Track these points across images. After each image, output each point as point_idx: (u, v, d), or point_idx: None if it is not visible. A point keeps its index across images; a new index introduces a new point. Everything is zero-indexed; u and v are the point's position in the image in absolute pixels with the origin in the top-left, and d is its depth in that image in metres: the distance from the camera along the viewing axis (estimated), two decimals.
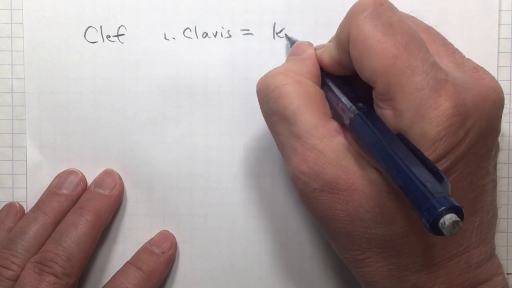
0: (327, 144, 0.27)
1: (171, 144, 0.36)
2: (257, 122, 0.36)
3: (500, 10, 0.35)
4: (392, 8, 0.27)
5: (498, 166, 0.35)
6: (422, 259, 0.27)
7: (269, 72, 0.30)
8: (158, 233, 0.36)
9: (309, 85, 0.29)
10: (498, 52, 0.35)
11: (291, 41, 0.34)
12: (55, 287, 0.32)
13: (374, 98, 0.27)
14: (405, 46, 0.26)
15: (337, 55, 0.29)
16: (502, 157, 0.35)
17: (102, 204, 0.35)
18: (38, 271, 0.32)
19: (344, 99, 0.29)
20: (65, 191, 0.35)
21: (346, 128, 0.28)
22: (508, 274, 0.36)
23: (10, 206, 0.36)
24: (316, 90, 0.29)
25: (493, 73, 0.35)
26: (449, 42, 0.30)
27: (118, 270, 0.35)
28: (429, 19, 0.35)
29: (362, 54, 0.26)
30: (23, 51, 0.36)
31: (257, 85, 0.30)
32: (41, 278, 0.32)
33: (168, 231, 0.36)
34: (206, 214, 0.36)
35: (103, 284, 0.35)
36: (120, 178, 0.36)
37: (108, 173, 0.36)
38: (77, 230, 0.33)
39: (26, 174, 0.36)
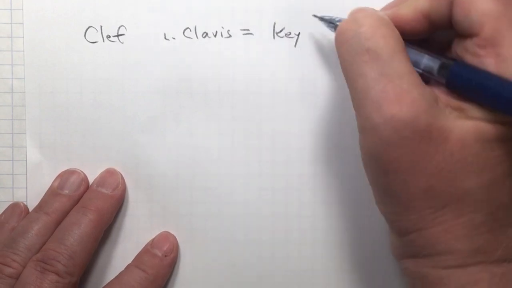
0: (422, 92, 0.27)
1: (171, 144, 0.36)
2: (257, 122, 0.36)
3: None
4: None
5: None
6: (497, 217, 0.27)
7: (357, 13, 0.29)
8: (159, 234, 0.36)
9: (399, 34, 0.29)
10: None
11: (327, 21, 0.33)
12: (57, 286, 0.32)
13: (472, 47, 0.27)
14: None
15: (428, 6, 0.29)
16: None
17: (104, 203, 0.35)
18: (40, 270, 0.32)
19: (428, 56, 0.29)
20: (67, 192, 0.35)
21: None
22: None
23: (15, 206, 0.36)
24: (403, 42, 0.29)
25: None
26: None
27: (122, 271, 0.35)
28: None
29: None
30: (23, 51, 0.36)
31: (342, 25, 0.29)
32: (43, 276, 0.32)
33: (169, 233, 0.36)
34: (206, 214, 0.36)
35: (105, 284, 0.35)
36: (123, 178, 0.36)
37: (110, 173, 0.36)
38: (80, 229, 0.33)
39: (26, 174, 0.36)
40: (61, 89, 0.36)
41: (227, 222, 0.36)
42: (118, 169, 0.36)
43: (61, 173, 0.36)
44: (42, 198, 0.35)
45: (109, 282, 0.35)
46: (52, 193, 0.35)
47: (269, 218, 0.36)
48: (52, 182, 0.36)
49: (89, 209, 0.34)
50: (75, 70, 0.36)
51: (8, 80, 0.36)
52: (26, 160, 0.36)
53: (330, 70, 0.35)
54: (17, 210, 0.36)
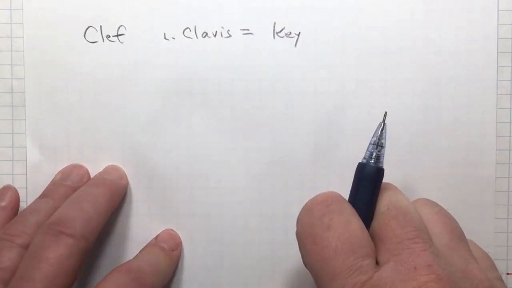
0: None
1: (171, 144, 0.36)
2: (257, 122, 0.36)
3: (499, 10, 0.35)
4: (339, 210, 0.28)
5: (498, 166, 0.36)
6: None
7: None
8: (163, 231, 0.36)
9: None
10: (498, 52, 0.35)
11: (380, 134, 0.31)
12: (73, 251, 0.30)
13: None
14: (335, 249, 0.27)
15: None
16: (502, 157, 0.35)
17: (112, 185, 0.34)
18: (55, 233, 0.30)
19: None
20: (70, 183, 0.35)
21: None
22: (508, 274, 0.36)
23: (6, 187, 0.35)
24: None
25: (493, 73, 0.35)
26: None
27: (139, 252, 0.34)
28: (430, 20, 0.35)
29: (302, 252, 0.29)
30: (23, 51, 0.36)
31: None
32: (58, 239, 0.30)
33: (173, 230, 0.36)
34: (206, 214, 0.36)
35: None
36: (125, 175, 0.36)
37: (114, 168, 0.36)
38: (94, 197, 0.33)
39: (26, 174, 0.36)
40: (61, 89, 0.36)
41: (227, 222, 0.36)
42: None
43: (62, 168, 0.36)
44: (45, 188, 0.35)
45: (129, 260, 0.33)
46: (55, 183, 0.35)
47: (269, 218, 0.36)
48: (55, 176, 0.35)
49: (99, 184, 0.34)
50: (75, 70, 0.36)
51: (8, 80, 0.36)
52: (26, 160, 0.36)
53: (330, 70, 0.35)
54: (7, 191, 0.35)
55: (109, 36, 0.36)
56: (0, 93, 0.36)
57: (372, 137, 0.30)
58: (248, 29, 0.36)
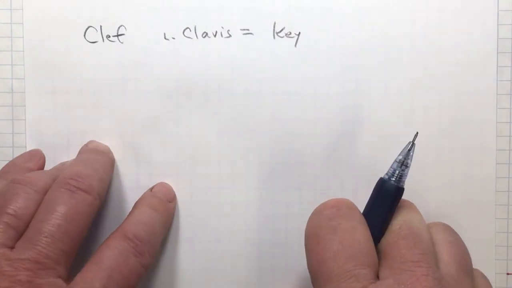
0: None
1: (171, 144, 0.36)
2: (257, 122, 0.36)
3: (499, 10, 0.35)
4: (348, 216, 0.29)
5: (498, 166, 0.36)
6: None
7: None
8: (159, 183, 0.36)
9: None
10: (498, 52, 0.35)
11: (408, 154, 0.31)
12: (89, 208, 0.30)
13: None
14: (336, 252, 0.27)
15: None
16: (502, 157, 0.35)
17: (108, 153, 0.35)
18: (72, 188, 0.30)
19: None
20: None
21: None
22: (508, 274, 0.36)
23: (34, 151, 0.36)
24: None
25: (493, 73, 0.35)
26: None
27: (132, 210, 0.34)
28: (429, 20, 0.35)
29: (306, 252, 0.29)
30: (23, 51, 0.36)
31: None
32: (75, 196, 0.30)
33: (166, 183, 0.36)
34: (206, 214, 0.36)
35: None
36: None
37: (98, 143, 0.36)
38: (99, 160, 0.33)
39: None
40: (61, 89, 0.36)
41: (227, 222, 0.36)
42: (117, 169, 0.36)
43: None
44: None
45: (125, 220, 0.33)
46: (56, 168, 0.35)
47: (269, 218, 0.36)
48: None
49: (98, 152, 0.34)
50: (75, 70, 0.36)
51: (8, 80, 0.36)
52: None
53: (330, 70, 0.35)
54: (37, 154, 0.35)
55: (109, 36, 0.36)
56: (0, 93, 0.36)
57: (399, 155, 0.30)
58: (248, 29, 0.36)
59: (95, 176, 0.31)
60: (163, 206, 0.34)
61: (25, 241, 0.28)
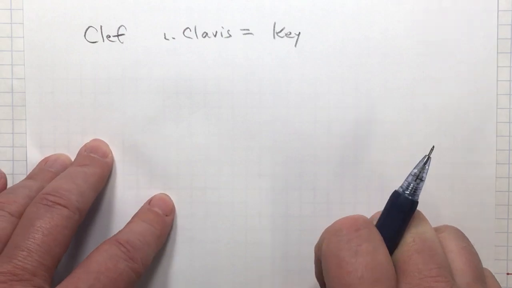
0: None
1: (171, 144, 0.36)
2: (257, 122, 0.36)
3: (499, 10, 0.35)
4: (368, 237, 0.28)
5: (498, 166, 0.36)
6: None
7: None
8: (157, 195, 0.36)
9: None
10: (498, 53, 0.35)
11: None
12: (67, 222, 0.30)
13: None
14: (361, 278, 0.27)
15: (316, 261, 0.31)
16: (502, 157, 0.35)
17: (101, 163, 0.35)
18: (49, 203, 0.30)
19: None
20: (54, 170, 0.35)
21: None
22: (508, 274, 0.36)
23: None
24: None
25: (493, 73, 0.35)
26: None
27: (129, 223, 0.34)
28: (429, 20, 0.35)
29: (325, 271, 0.29)
30: (23, 51, 0.36)
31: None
32: (52, 210, 0.30)
33: (166, 194, 0.36)
34: (206, 214, 0.36)
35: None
36: (110, 151, 0.36)
37: (98, 145, 0.36)
38: (85, 174, 0.33)
39: (26, 174, 0.36)
40: (61, 89, 0.36)
41: (227, 222, 0.36)
42: (118, 168, 0.36)
43: (48, 156, 0.36)
44: (31, 172, 0.35)
45: (119, 231, 0.33)
46: (41, 169, 0.35)
47: (269, 218, 0.36)
48: (39, 162, 0.35)
49: (88, 164, 0.34)
50: (75, 70, 0.36)
51: (8, 80, 0.36)
52: (26, 160, 0.36)
53: (330, 70, 0.36)
54: None
55: (109, 36, 0.36)
56: (0, 93, 0.36)
57: (414, 168, 0.30)
58: (248, 29, 0.36)
59: (75, 191, 0.31)
60: (160, 221, 0.34)
61: (2, 256, 0.28)
